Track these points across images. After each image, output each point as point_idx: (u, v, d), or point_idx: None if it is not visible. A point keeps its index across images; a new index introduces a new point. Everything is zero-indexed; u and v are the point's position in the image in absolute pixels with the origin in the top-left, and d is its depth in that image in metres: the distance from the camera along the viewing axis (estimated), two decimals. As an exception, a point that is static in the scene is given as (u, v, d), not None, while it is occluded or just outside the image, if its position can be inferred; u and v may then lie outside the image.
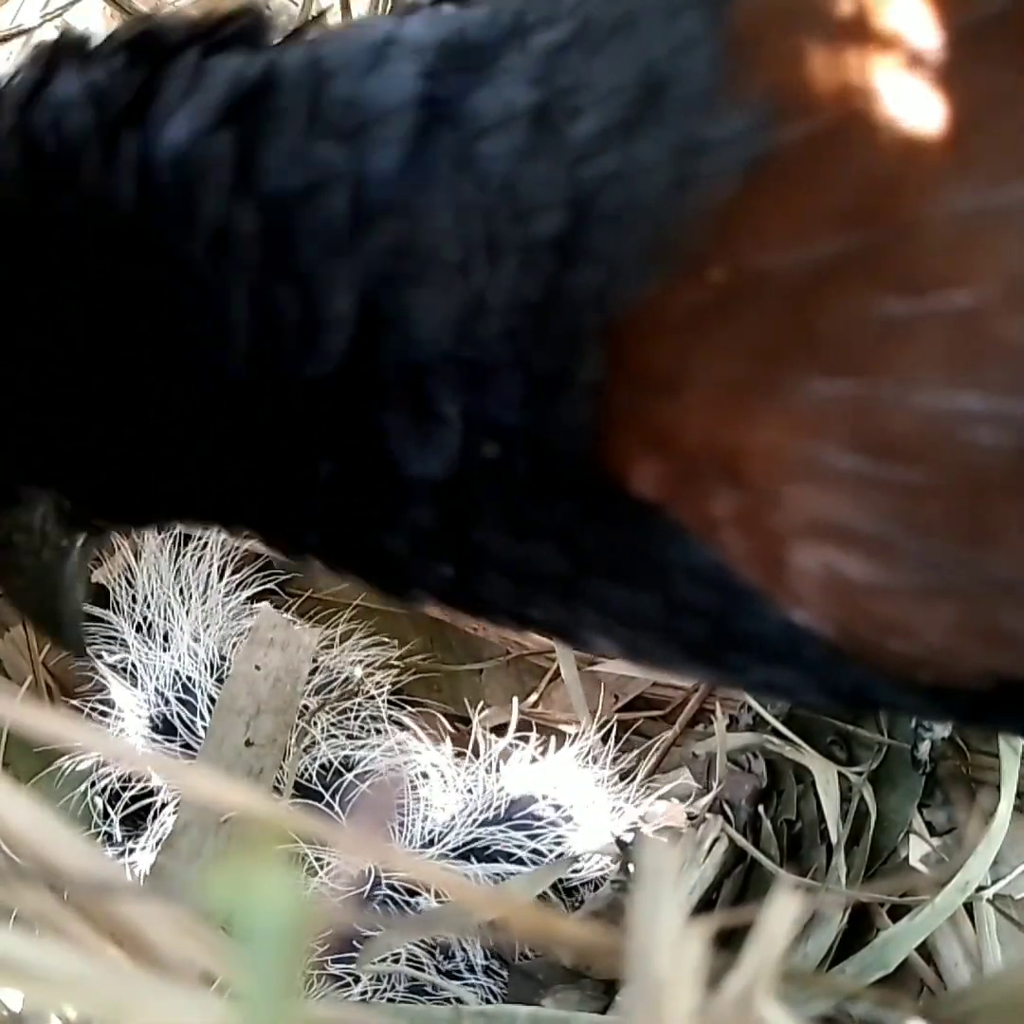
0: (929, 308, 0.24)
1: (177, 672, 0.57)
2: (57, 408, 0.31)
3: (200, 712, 0.56)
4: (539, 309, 0.26)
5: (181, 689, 0.56)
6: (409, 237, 0.26)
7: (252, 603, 0.60)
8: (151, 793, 0.55)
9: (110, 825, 0.55)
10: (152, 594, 0.60)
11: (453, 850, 0.51)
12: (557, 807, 0.53)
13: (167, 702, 0.56)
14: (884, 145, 0.24)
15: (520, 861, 0.51)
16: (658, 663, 0.34)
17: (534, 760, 0.55)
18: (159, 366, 0.29)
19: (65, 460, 0.32)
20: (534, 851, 0.51)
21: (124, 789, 0.55)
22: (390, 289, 0.27)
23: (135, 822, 0.55)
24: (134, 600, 0.60)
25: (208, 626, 0.59)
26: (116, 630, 0.59)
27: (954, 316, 0.24)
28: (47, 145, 0.28)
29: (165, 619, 0.59)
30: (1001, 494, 0.24)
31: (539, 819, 0.52)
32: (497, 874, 0.51)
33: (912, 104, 0.24)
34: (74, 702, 0.59)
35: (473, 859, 0.51)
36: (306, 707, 0.55)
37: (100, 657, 0.58)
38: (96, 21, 0.70)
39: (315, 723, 0.56)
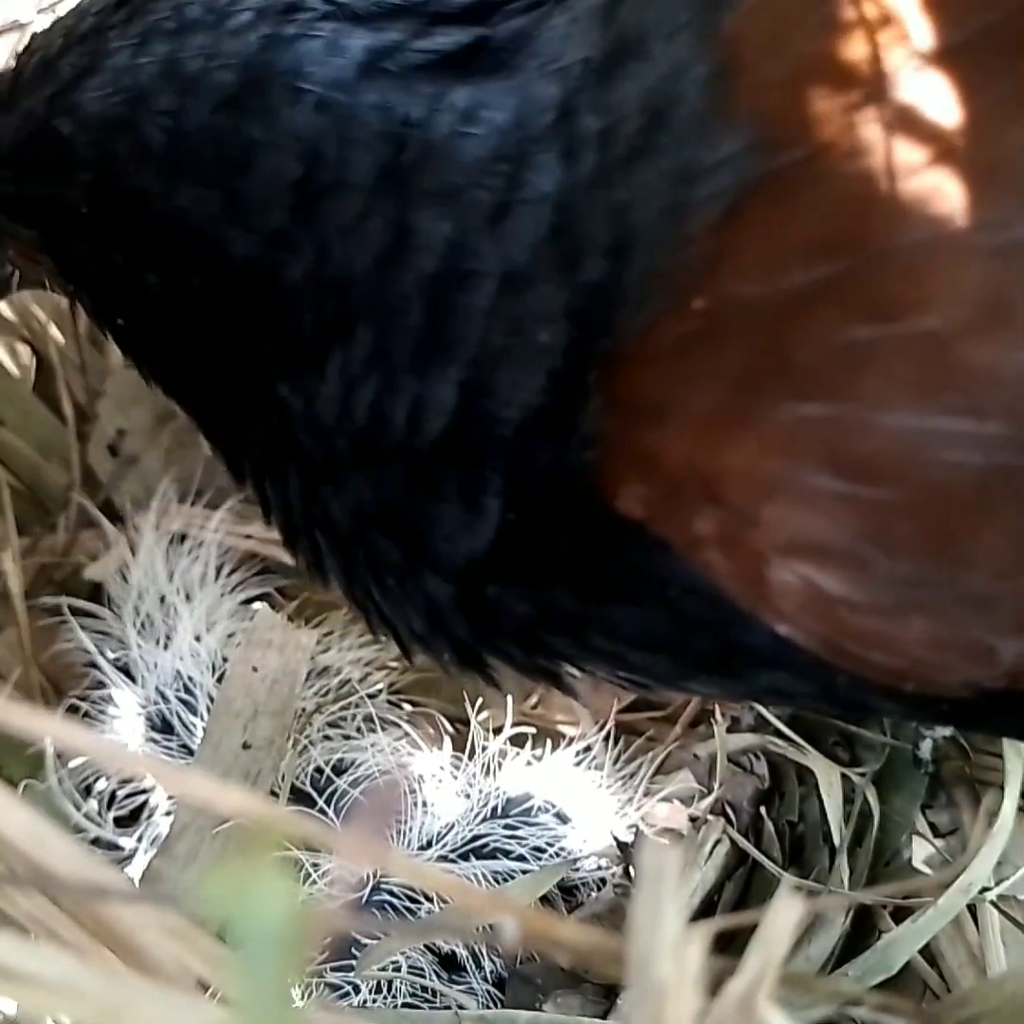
0: (896, 333, 0.25)
1: (178, 671, 0.57)
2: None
3: (200, 712, 0.55)
4: (562, 370, 0.28)
5: (182, 689, 0.56)
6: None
7: (249, 605, 0.60)
8: (146, 794, 0.55)
9: (104, 828, 0.55)
10: (151, 592, 0.60)
11: (452, 850, 0.51)
12: (557, 808, 0.53)
13: (167, 701, 0.56)
14: (853, 176, 0.25)
15: (521, 858, 0.51)
16: (668, 682, 0.35)
17: (529, 764, 0.54)
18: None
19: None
20: (534, 849, 0.51)
21: (119, 791, 0.55)
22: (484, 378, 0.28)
23: (130, 825, 0.55)
24: (139, 598, 0.59)
25: (210, 626, 0.58)
26: (116, 627, 0.59)
27: (919, 341, 0.25)
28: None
29: (166, 617, 0.59)
30: (968, 511, 0.25)
31: (538, 817, 0.52)
32: (497, 872, 0.50)
33: (880, 136, 0.25)
34: (71, 699, 0.58)
35: (472, 858, 0.51)
36: (303, 709, 0.55)
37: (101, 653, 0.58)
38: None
39: (312, 725, 0.56)
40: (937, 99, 0.25)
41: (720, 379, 0.26)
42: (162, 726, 0.56)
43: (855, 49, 0.25)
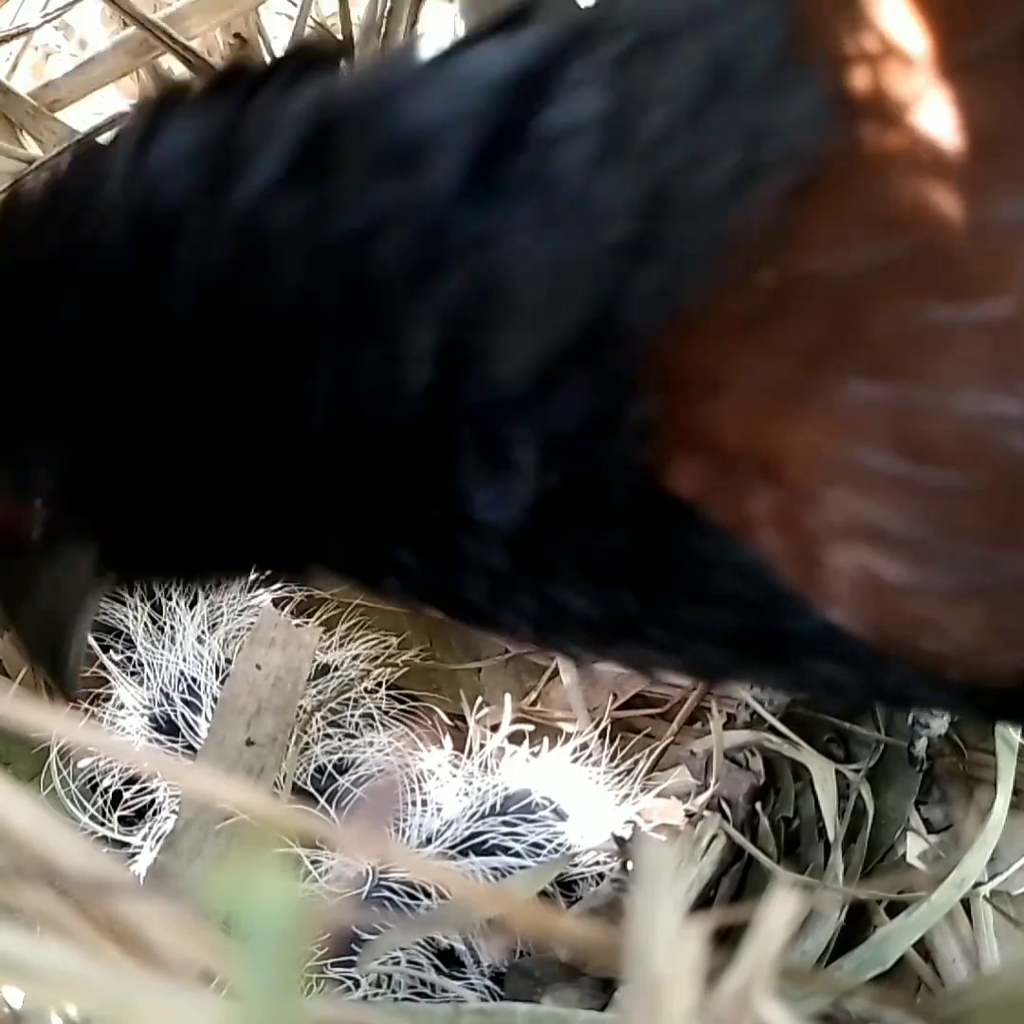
0: (970, 316, 0.24)
1: (182, 672, 0.57)
2: (128, 464, 0.31)
3: (205, 713, 0.56)
4: (601, 322, 0.26)
5: (186, 690, 0.57)
6: (485, 276, 0.26)
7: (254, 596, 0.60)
8: (152, 791, 0.55)
9: (109, 824, 0.55)
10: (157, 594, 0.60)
11: (452, 847, 0.51)
12: (555, 804, 0.53)
13: (171, 703, 0.56)
14: (933, 150, 0.24)
15: (519, 854, 0.51)
16: (730, 672, 0.35)
17: (528, 760, 0.55)
18: (239, 426, 0.29)
19: (128, 513, 0.32)
20: (533, 845, 0.51)
21: (124, 791, 0.55)
22: (471, 331, 0.26)
23: (135, 824, 0.55)
24: (144, 598, 0.60)
25: (214, 627, 0.59)
26: (123, 628, 0.59)
27: (994, 324, 0.24)
28: (149, 215, 0.28)
29: (170, 619, 0.59)
30: None
31: (537, 813, 0.53)
32: (496, 868, 0.51)
33: (959, 109, 0.25)
34: (75, 700, 0.59)
35: (472, 854, 0.51)
36: (302, 708, 0.55)
37: (107, 652, 0.58)
38: (95, 21, 0.70)
39: (312, 724, 0.56)
40: (1012, 76, 0.25)
41: (784, 355, 0.25)
42: (167, 727, 0.56)
43: (929, 25, 0.25)
